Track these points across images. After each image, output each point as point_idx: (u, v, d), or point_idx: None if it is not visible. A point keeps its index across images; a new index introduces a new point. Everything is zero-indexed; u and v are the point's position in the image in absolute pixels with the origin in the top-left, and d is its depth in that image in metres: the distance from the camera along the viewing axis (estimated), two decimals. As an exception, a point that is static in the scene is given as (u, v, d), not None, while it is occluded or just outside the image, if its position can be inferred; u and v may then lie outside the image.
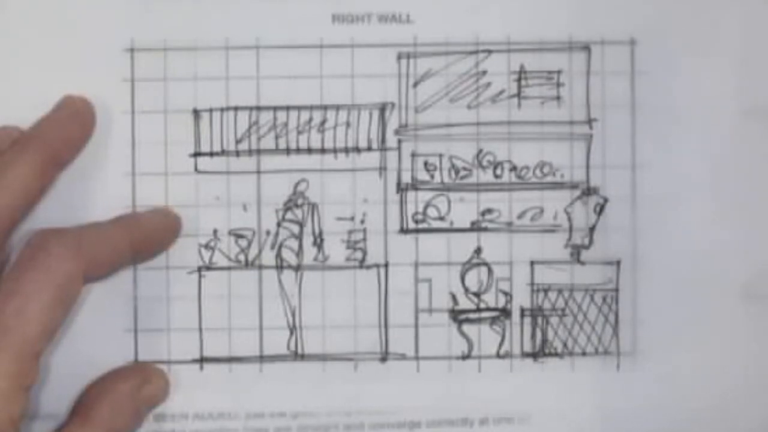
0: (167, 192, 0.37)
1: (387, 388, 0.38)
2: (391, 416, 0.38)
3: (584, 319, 0.38)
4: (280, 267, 0.37)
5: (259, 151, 0.37)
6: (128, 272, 0.37)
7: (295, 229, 0.38)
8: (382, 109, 0.38)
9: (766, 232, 0.38)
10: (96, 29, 0.37)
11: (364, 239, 0.38)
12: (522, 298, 0.38)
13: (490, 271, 0.38)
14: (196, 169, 0.37)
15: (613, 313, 0.38)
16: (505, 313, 0.38)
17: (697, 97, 0.38)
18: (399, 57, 0.38)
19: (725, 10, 0.38)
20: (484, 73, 0.38)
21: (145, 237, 0.36)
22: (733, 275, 0.38)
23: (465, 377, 0.38)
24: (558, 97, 0.38)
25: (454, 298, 0.38)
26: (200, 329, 0.37)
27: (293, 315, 0.37)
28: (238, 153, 0.37)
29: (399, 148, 0.38)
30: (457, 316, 0.38)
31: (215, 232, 0.37)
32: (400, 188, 0.38)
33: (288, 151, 0.38)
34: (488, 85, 0.38)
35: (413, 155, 0.38)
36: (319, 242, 0.38)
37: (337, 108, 0.38)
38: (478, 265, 0.38)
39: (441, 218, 0.38)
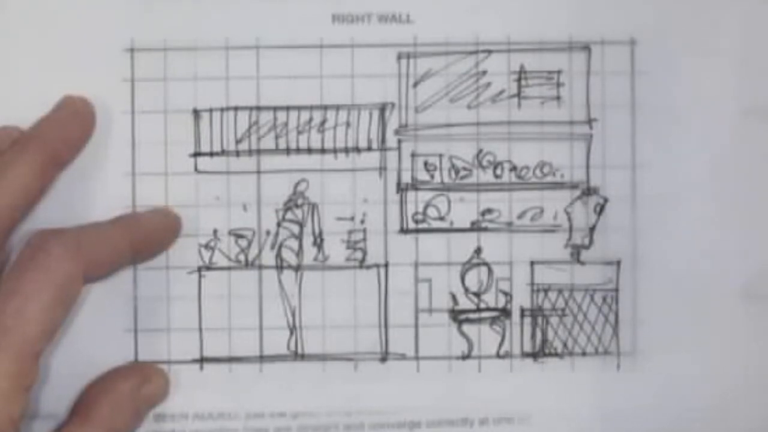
0: (167, 192, 0.37)
1: (387, 388, 0.38)
2: (391, 416, 0.38)
3: (584, 319, 0.38)
4: (280, 267, 0.37)
5: (259, 151, 0.37)
6: (128, 272, 0.37)
7: (295, 229, 0.38)
8: (382, 109, 0.38)
9: (766, 232, 0.38)
10: (96, 29, 0.37)
11: (364, 239, 0.38)
12: (522, 298, 0.38)
13: (490, 271, 0.38)
14: (196, 169, 0.37)
15: (613, 313, 0.38)
16: (505, 313, 0.38)
17: (697, 97, 0.38)
18: (399, 57, 0.38)
19: (725, 10, 0.38)
20: (484, 73, 0.38)
21: (145, 237, 0.36)
22: (733, 275, 0.38)
23: (465, 377, 0.38)
24: (558, 97, 0.38)
25: (454, 298, 0.38)
26: (200, 329, 0.37)
27: (293, 315, 0.37)
28: (238, 153, 0.37)
29: (399, 148, 0.38)
30: (457, 316, 0.38)
31: (215, 232, 0.37)
32: (400, 188, 0.38)
33: (288, 151, 0.38)
34: (488, 85, 0.38)
35: (413, 155, 0.38)
36: (319, 242, 0.38)
37: (337, 108, 0.38)
38: (478, 265, 0.38)
39: (441, 218, 0.38)
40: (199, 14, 0.37)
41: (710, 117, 0.38)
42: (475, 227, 0.38)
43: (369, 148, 0.38)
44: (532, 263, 0.38)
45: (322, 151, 0.38)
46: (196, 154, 0.37)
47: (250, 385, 0.37)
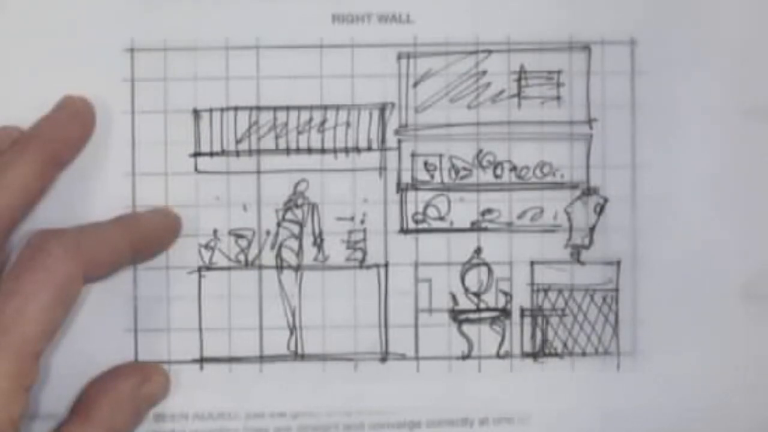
0: (167, 192, 0.37)
1: (387, 388, 0.38)
2: (391, 416, 0.38)
3: (584, 319, 0.38)
4: (280, 267, 0.37)
5: (259, 151, 0.37)
6: (128, 272, 0.37)
7: (295, 229, 0.38)
8: (382, 109, 0.38)
9: (766, 232, 0.38)
10: (96, 29, 0.37)
11: (364, 239, 0.38)
12: (522, 298, 0.38)
13: (490, 271, 0.38)
14: (196, 169, 0.37)
15: (613, 313, 0.38)
16: (505, 313, 0.38)
17: (697, 97, 0.38)
18: (399, 57, 0.38)
19: (725, 10, 0.38)
20: (484, 73, 0.38)
21: (145, 237, 0.36)
22: (733, 275, 0.38)
23: (465, 377, 0.38)
24: (558, 97, 0.38)
25: (454, 298, 0.38)
26: (200, 329, 0.37)
27: (293, 315, 0.37)
28: (238, 153, 0.37)
29: (399, 148, 0.38)
30: (457, 316, 0.38)
31: (215, 232, 0.37)
32: (400, 188, 0.38)
33: (288, 151, 0.38)
34: (488, 85, 0.38)
35: (413, 155, 0.38)
36: (319, 242, 0.38)
37: (337, 108, 0.38)
38: (478, 265, 0.38)
39: (441, 218, 0.38)
40: (199, 14, 0.37)
41: (710, 117, 0.38)
42: (475, 227, 0.38)
43: (369, 148, 0.38)
44: (532, 263, 0.38)
45: (322, 151, 0.38)
46: (196, 154, 0.37)
47: (250, 385, 0.37)
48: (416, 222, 0.38)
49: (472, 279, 0.38)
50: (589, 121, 0.38)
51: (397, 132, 0.38)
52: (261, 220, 0.37)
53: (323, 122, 0.37)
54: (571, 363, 0.38)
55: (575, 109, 0.38)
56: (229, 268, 0.37)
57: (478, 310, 0.38)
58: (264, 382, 0.37)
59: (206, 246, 0.37)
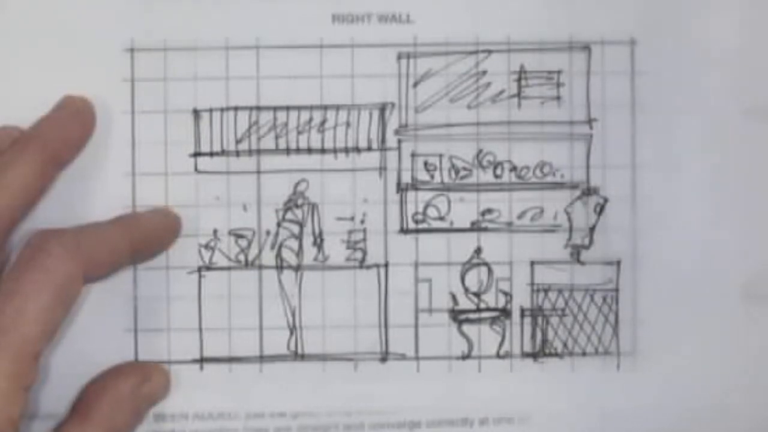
0: (167, 192, 0.37)
1: (387, 388, 0.38)
2: (391, 416, 0.38)
3: (584, 319, 0.38)
4: (280, 267, 0.37)
5: (259, 151, 0.37)
6: (128, 272, 0.37)
7: (295, 229, 0.38)
8: (382, 109, 0.38)
9: (766, 232, 0.38)
10: (96, 29, 0.37)
11: (364, 239, 0.38)
12: (522, 298, 0.38)
13: (490, 271, 0.38)
14: (196, 169, 0.37)
15: (613, 313, 0.38)
16: (505, 313, 0.38)
17: (697, 97, 0.38)
18: (399, 57, 0.38)
19: (725, 10, 0.38)
20: (484, 73, 0.38)
21: (145, 237, 0.36)
22: (733, 275, 0.38)
23: (465, 377, 0.38)
24: (558, 97, 0.38)
25: (454, 298, 0.38)
26: (200, 329, 0.37)
27: (293, 315, 0.37)
28: (238, 153, 0.37)
29: (399, 148, 0.38)
30: (457, 316, 0.38)
31: (215, 232, 0.37)
32: (400, 188, 0.38)
33: (288, 151, 0.38)
34: (488, 85, 0.38)
35: (413, 155, 0.38)
36: (319, 242, 0.38)
37: (337, 108, 0.38)
38: (478, 265, 0.38)
39: (441, 218, 0.38)
40: (199, 14, 0.37)
41: (710, 117, 0.38)
42: (475, 227, 0.38)
43: (369, 148, 0.38)
44: (532, 263, 0.38)
45: (322, 151, 0.38)
46: (196, 154, 0.37)
47: (250, 385, 0.37)
48: (416, 222, 0.38)
49: (472, 279, 0.38)
50: (589, 121, 0.38)
51: (397, 132, 0.38)
52: (261, 220, 0.37)
53: (323, 122, 0.37)
54: (571, 363, 0.38)
55: (575, 109, 0.38)
56: (229, 268, 0.37)
57: (478, 310, 0.38)
58: (264, 382, 0.37)
59: (206, 246, 0.37)
